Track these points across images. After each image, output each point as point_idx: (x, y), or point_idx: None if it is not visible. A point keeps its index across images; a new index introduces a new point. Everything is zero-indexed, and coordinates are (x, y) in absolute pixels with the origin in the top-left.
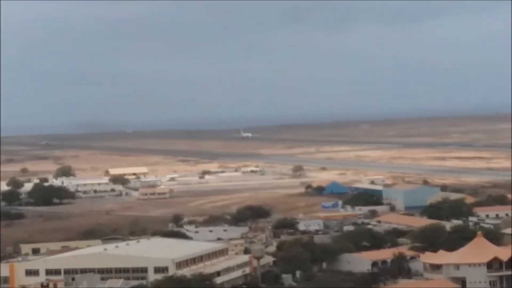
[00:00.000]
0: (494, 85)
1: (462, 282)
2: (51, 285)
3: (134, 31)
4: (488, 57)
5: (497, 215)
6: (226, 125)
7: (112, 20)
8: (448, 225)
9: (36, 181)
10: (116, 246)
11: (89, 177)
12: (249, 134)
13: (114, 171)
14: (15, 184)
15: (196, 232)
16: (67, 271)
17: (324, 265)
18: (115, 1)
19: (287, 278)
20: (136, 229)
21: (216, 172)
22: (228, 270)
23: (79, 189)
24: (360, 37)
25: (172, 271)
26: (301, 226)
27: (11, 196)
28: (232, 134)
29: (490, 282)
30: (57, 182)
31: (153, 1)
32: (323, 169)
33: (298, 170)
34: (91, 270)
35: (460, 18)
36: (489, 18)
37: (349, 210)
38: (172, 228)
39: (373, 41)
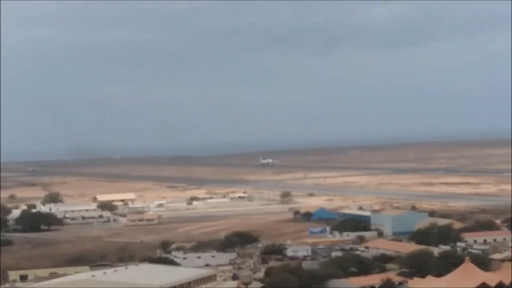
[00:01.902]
0: (481, 111)
1: None
2: None
3: (120, 56)
4: (474, 83)
5: (485, 240)
6: (215, 151)
7: (97, 45)
8: (436, 250)
9: (24, 207)
10: (104, 273)
11: (77, 204)
12: (270, 160)
13: (102, 197)
14: (3, 210)
15: (184, 258)
16: None
17: None
18: (99, 27)
19: None
20: (124, 255)
21: (204, 198)
22: None
23: (67, 215)
24: (348, 62)
25: None
26: (289, 252)
27: None
28: (251, 161)
29: None
30: (45, 208)
31: (137, 28)
32: (311, 195)
33: (286, 196)
34: None
35: (448, 43)
36: (476, 44)
37: (337, 236)
38: (160, 255)
39: (361, 66)
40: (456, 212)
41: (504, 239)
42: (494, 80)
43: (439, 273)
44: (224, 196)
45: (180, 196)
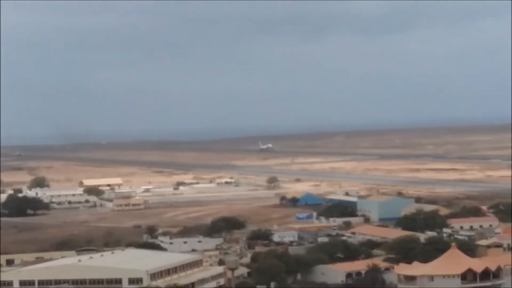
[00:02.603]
0: (467, 97)
1: None
2: None
3: (107, 42)
4: (461, 70)
5: (471, 226)
6: (201, 136)
7: (83, 31)
8: (422, 236)
9: (10, 192)
10: (91, 257)
11: (63, 188)
12: (270, 145)
13: (89, 182)
14: None
15: (171, 243)
16: (41, 282)
17: (299, 276)
18: (86, 13)
19: None
20: (111, 240)
21: (190, 184)
22: (202, 281)
23: (53, 200)
24: (334, 49)
25: (146, 283)
26: (276, 238)
27: None
28: (249, 146)
29: None
30: (31, 193)
31: (124, 13)
32: (298, 180)
33: (272, 182)
34: (65, 282)
35: (434, 30)
36: (462, 31)
37: (323, 222)
38: (147, 240)
39: (347, 53)
40: (443, 198)
41: (490, 225)
42: (479, 67)
43: (425, 259)
44: (210, 182)
45: (166, 181)
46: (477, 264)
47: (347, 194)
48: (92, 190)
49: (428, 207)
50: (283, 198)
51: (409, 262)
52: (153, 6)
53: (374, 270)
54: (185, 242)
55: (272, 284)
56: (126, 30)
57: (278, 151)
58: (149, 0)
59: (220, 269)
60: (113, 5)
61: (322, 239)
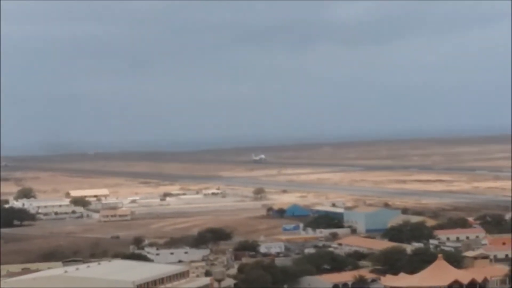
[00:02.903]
0: (454, 108)
1: None
2: None
3: (95, 51)
4: (449, 79)
5: (458, 238)
6: (187, 147)
7: (71, 40)
8: (409, 248)
9: None
10: (77, 268)
11: (50, 199)
12: (262, 156)
13: (75, 193)
14: None
15: (157, 254)
16: None
17: (285, 287)
18: (73, 21)
19: None
20: (97, 251)
21: (177, 194)
22: None
23: (40, 211)
24: (321, 58)
25: None
26: (263, 249)
27: None
28: (241, 158)
29: None
30: (17, 204)
31: (112, 22)
32: (285, 191)
33: (259, 193)
34: None
35: (422, 40)
36: (450, 40)
37: (310, 233)
38: (133, 250)
39: (335, 62)
40: (429, 210)
41: (477, 236)
42: (467, 76)
43: (412, 270)
44: (197, 192)
45: (153, 192)
46: (464, 276)
47: (334, 205)
48: (79, 201)
49: (415, 218)
50: (270, 209)
51: (395, 273)
52: (139, 16)
53: (360, 281)
54: (171, 253)
55: None
56: (114, 39)
57: (270, 162)
58: (134, 10)
59: (206, 280)
60: (100, 14)
61: (309, 250)
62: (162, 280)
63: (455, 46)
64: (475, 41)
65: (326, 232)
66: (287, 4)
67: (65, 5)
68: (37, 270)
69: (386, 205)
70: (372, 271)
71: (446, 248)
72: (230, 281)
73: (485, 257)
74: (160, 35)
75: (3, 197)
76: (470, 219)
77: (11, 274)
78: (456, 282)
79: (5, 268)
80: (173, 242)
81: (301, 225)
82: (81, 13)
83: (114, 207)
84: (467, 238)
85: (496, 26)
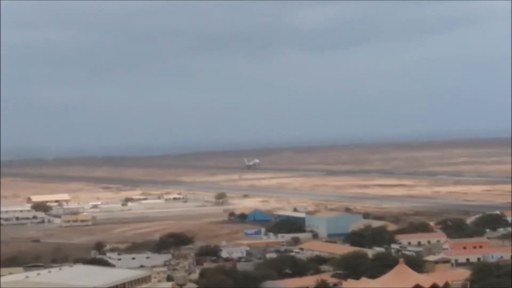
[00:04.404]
0: (412, 113)
1: None
2: None
3: (52, 59)
4: (407, 86)
5: (419, 242)
6: (148, 152)
7: (29, 47)
8: (370, 252)
9: None
10: (38, 274)
11: (10, 204)
12: (257, 160)
13: (36, 198)
14: None
15: (119, 259)
16: None
17: None
18: (31, 28)
19: None
20: (59, 256)
21: (138, 199)
22: None
23: (1, 216)
24: (282, 64)
25: None
26: (224, 254)
27: None
28: (232, 163)
29: None
30: None
31: (69, 28)
32: (246, 196)
33: (221, 198)
34: None
35: (381, 46)
36: (409, 47)
37: (272, 238)
38: (95, 256)
39: (295, 68)
40: (390, 214)
41: (438, 241)
42: (428, 83)
43: (373, 275)
44: (159, 197)
45: (114, 197)
46: (425, 280)
47: (295, 210)
48: (40, 206)
49: (376, 223)
50: (231, 214)
51: (357, 278)
52: (99, 22)
53: (322, 286)
54: (133, 258)
55: None
56: (72, 46)
57: (264, 168)
58: (94, 16)
59: (168, 285)
60: (58, 21)
61: (271, 255)
62: (123, 285)
63: (416, 52)
64: (431, 47)
65: (287, 236)
66: (246, 10)
67: (20, 11)
68: None
69: (348, 209)
70: (333, 276)
71: (407, 253)
72: (192, 286)
73: (446, 261)
74: (119, 42)
75: None
76: (431, 223)
77: None
78: (417, 286)
79: None
80: (135, 247)
81: (263, 230)
82: (36, 19)
83: (75, 212)
84: (428, 242)
85: (459, 31)
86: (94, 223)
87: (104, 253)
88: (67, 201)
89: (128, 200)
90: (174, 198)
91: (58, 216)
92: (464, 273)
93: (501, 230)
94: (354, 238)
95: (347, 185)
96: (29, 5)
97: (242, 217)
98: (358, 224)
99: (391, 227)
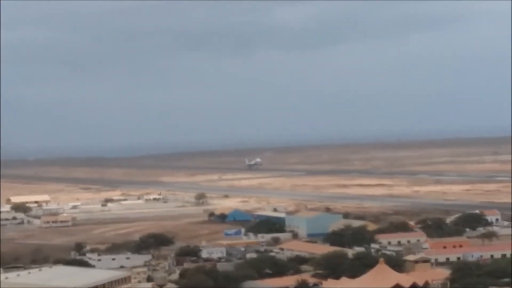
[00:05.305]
0: (396, 112)
1: None
2: None
3: (34, 57)
4: (388, 84)
5: (399, 242)
6: (128, 152)
7: (10, 45)
8: (350, 252)
9: None
10: (18, 275)
11: None
12: (258, 160)
13: (16, 199)
14: None
15: (99, 260)
16: None
17: None
18: (11, 26)
19: None
20: (38, 257)
21: (118, 200)
22: None
23: None
24: (263, 62)
25: None
26: (204, 254)
27: None
28: (233, 164)
29: None
30: None
31: (50, 27)
32: (226, 196)
33: (200, 198)
34: None
35: (362, 45)
36: (391, 46)
37: (252, 238)
38: (75, 256)
39: (276, 66)
40: (370, 214)
41: (418, 240)
42: (409, 81)
43: (353, 275)
44: (138, 198)
45: (94, 197)
46: (405, 279)
47: (275, 210)
48: (20, 207)
49: (356, 223)
50: (211, 214)
51: (337, 277)
52: (80, 22)
53: (302, 286)
54: (113, 259)
55: None
56: (54, 44)
57: (266, 168)
58: (77, 15)
59: (148, 285)
60: (39, 20)
61: (251, 255)
62: (103, 286)
63: (397, 50)
64: (413, 45)
65: (267, 237)
66: (228, 8)
67: (6, 9)
68: None
69: (328, 209)
70: (313, 276)
71: (387, 252)
72: (172, 286)
73: (426, 260)
74: (101, 40)
75: None
76: (411, 223)
77: None
78: (397, 286)
79: None
80: (115, 248)
81: (243, 230)
82: (17, 18)
83: (55, 213)
84: (408, 242)
85: (438, 30)
86: (74, 224)
87: (84, 254)
88: (47, 202)
89: (108, 200)
90: (154, 199)
91: (38, 217)
92: (444, 273)
93: (481, 230)
94: (334, 238)
95: (327, 185)
96: (10, 4)
97: (222, 217)
98: (338, 224)
99: (371, 226)
